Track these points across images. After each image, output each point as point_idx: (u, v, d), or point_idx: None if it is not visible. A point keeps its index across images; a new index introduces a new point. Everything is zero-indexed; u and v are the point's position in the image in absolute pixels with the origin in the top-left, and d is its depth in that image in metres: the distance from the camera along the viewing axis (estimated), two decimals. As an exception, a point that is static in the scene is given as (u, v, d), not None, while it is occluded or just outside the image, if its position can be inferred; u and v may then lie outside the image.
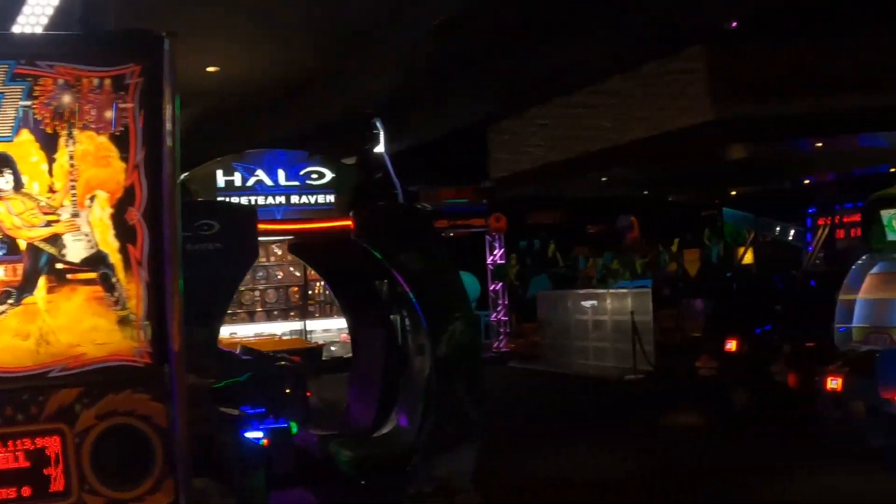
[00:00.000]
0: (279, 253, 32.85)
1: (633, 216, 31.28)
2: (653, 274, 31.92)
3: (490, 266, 29.54)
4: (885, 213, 13.63)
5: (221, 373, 9.24)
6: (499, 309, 29.40)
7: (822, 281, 14.89)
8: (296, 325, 25.88)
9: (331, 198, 10.18)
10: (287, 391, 9.66)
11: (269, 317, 25.55)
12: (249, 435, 8.86)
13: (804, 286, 15.20)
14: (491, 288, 29.62)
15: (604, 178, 18.76)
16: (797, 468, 11.82)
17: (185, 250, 8.45)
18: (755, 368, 14.44)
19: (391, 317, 10.83)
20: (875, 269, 13.69)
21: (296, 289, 30.49)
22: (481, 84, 16.54)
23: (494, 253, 29.56)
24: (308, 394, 12.28)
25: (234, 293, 10.54)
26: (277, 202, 10.30)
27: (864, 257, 13.88)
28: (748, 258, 20.47)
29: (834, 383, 12.11)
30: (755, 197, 23.69)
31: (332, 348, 25.96)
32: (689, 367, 15.87)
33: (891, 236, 13.58)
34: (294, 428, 9.66)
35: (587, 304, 23.89)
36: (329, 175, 10.30)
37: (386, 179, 13.48)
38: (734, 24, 13.37)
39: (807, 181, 20.42)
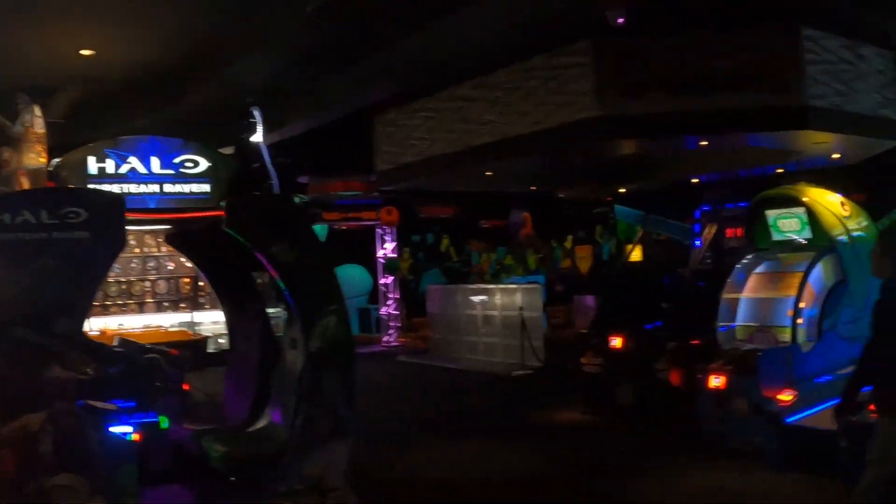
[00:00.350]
0: (171, 243, 32.74)
1: (527, 212, 31.34)
2: (546, 270, 32.16)
3: (381, 260, 29.40)
4: (770, 214, 13.75)
5: (90, 365, 8.92)
6: (389, 303, 29.26)
7: (709, 280, 14.93)
8: (185, 316, 25.59)
9: (206, 187, 9.89)
10: (158, 384, 9.35)
11: (160, 308, 24.07)
12: (117, 430, 8.56)
13: (691, 284, 15.22)
14: (382, 282, 29.47)
15: (488, 173, 18.46)
16: (679, 465, 11.78)
17: (52, 238, 8.19)
18: (640, 366, 14.40)
19: (268, 310, 10.62)
20: (759, 269, 13.80)
21: (187, 280, 30.11)
22: (363, 73, 16.26)
23: (386, 246, 29.43)
24: (186, 387, 11.99)
25: (100, 282, 10.16)
26: (151, 191, 9.98)
27: (748, 256, 13.96)
28: (636, 255, 20.47)
29: (717, 381, 12.12)
30: (646, 195, 23.76)
31: (221, 340, 25.44)
32: (576, 363, 15.78)
33: (775, 236, 13.70)
34: (165, 422, 9.35)
35: (477, 299, 23.80)
36: (204, 164, 10.00)
37: (262, 170, 13.08)
38: (621, 19, 13.18)
39: (695, 180, 20.48)
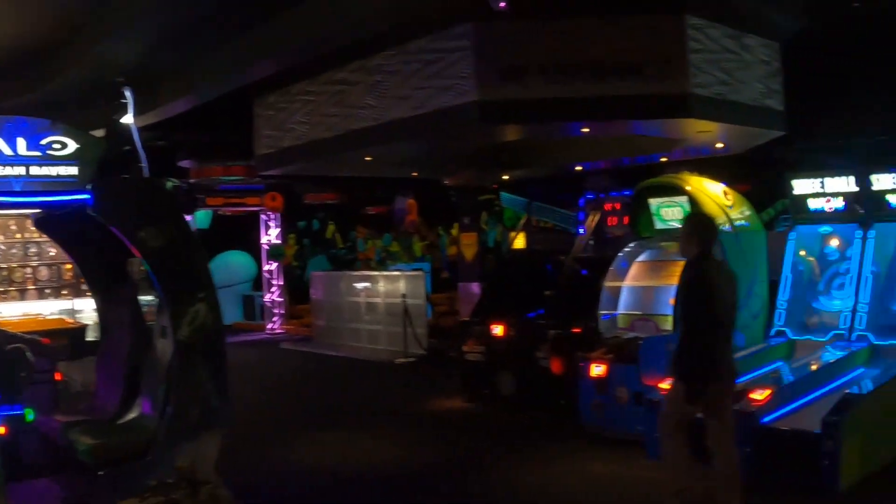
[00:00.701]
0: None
1: (411, 199, 31.16)
2: (432, 257, 32.09)
3: (265, 246, 29.02)
4: (653, 202, 13.73)
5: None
6: (273, 290, 28.92)
7: (592, 268, 14.87)
8: (67, 303, 24.91)
9: (73, 170, 9.40)
10: (23, 375, 8.91)
11: (41, 295, 23.62)
12: (-25, 422, 8.17)
13: (574, 272, 15.10)
14: (265, 268, 29.11)
15: (368, 158, 18.03)
16: (559, 454, 11.67)
17: None
18: (521, 354, 14.28)
19: (139, 297, 10.27)
20: (642, 257, 13.77)
21: (69, 266, 29.47)
22: (238, 52, 15.81)
23: (270, 233, 29.08)
24: (58, 377, 11.57)
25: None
26: (16, 173, 9.45)
27: (631, 245, 13.91)
28: (520, 243, 20.33)
29: (598, 370, 12.06)
30: (532, 182, 23.69)
31: None
32: (459, 351, 15.63)
33: (658, 224, 13.68)
34: (31, 415, 8.94)
35: (360, 286, 23.58)
36: (73, 146, 9.50)
37: (133, 152, 12.54)
38: (503, 3, 12.92)
39: (579, 168, 20.38)
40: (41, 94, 16.98)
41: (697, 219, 9.40)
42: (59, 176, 9.29)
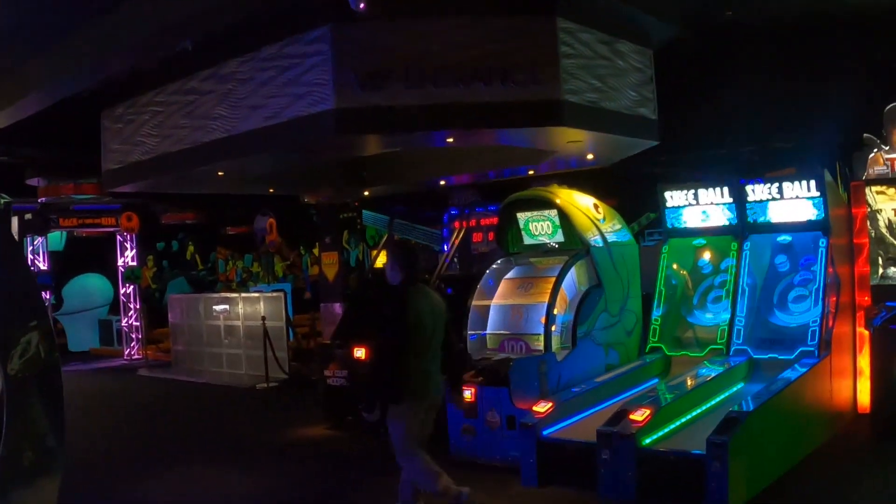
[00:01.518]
0: None
1: (272, 218, 30.35)
2: (294, 277, 31.43)
3: (122, 268, 27.95)
4: (522, 216, 13.18)
5: None
6: (130, 314, 27.83)
7: (457, 286, 14.30)
8: None
9: None
10: None
11: None
12: None
13: (440, 291, 14.49)
14: (122, 291, 28.03)
15: (220, 173, 16.98)
16: None
17: None
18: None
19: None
20: (510, 274, 13.17)
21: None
22: (67, 55, 14.72)
23: (126, 254, 28.02)
24: None
25: None
26: None
27: (498, 261, 13.31)
28: (381, 260, 19.57)
29: (466, 393, 11.41)
30: (395, 199, 23.07)
31: None
32: (321, 375, 14.91)
33: (527, 240, 13.12)
34: None
35: (219, 308, 22.68)
36: None
37: None
38: (363, 4, 12.14)
39: (443, 182, 19.69)
40: None
41: (400, 247, 9.72)
42: None
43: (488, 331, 12.83)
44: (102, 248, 29.45)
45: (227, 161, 15.61)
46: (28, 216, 25.72)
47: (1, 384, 7.82)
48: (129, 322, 27.99)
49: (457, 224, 17.15)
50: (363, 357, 13.98)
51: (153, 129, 16.86)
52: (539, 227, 13.01)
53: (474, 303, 12.85)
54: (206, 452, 13.77)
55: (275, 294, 22.04)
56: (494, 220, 17.02)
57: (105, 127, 18.41)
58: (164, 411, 18.20)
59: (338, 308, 21.52)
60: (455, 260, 15.77)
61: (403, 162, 17.46)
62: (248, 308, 21.89)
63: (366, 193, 20.30)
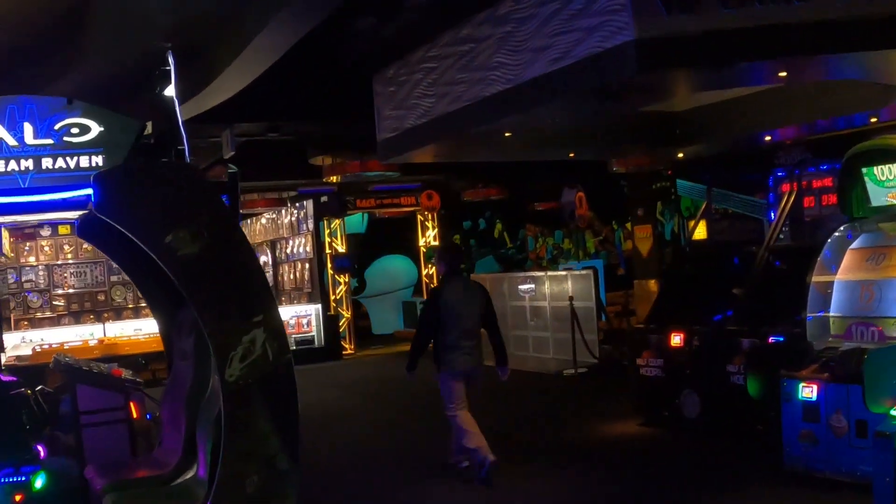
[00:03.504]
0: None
1: (580, 191, 28.76)
2: (608, 252, 30.08)
3: (424, 248, 27.11)
4: (868, 173, 10.71)
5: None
6: (433, 296, 26.80)
7: (788, 258, 12.17)
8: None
9: (98, 159, 7.31)
10: (28, 426, 6.84)
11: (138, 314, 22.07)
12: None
13: (769, 266, 12.36)
14: (425, 272, 27.15)
15: (507, 134, 15.04)
16: (754, 497, 9.49)
17: None
18: (708, 368, 11.72)
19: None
20: (857, 244, 10.72)
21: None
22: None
23: (427, 234, 27.05)
24: (134, 413, 9.80)
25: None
26: (23, 168, 7.43)
27: (841, 228, 10.89)
28: (700, 233, 17.51)
29: (807, 391, 9.38)
30: (712, 163, 20.78)
31: None
32: (633, 363, 13.11)
33: (876, 201, 10.63)
34: (40, 479, 6.87)
35: (524, 287, 21.20)
36: (96, 129, 7.41)
37: (173, 132, 9.99)
38: None
39: (767, 137, 17.12)
40: (73, 79, 14.20)
41: (443, 247, 12.72)
42: (78, 168, 7.25)
43: (832, 312, 10.39)
44: (405, 229, 28.83)
45: (512, 116, 13.39)
46: (324, 199, 25.02)
47: (215, 391, 6.50)
48: (432, 305, 26.95)
49: (785, 187, 14.93)
50: (681, 344, 12.11)
51: (428, 89, 14.93)
52: (892, 185, 10.53)
53: (814, 279, 10.52)
54: (502, 451, 12.17)
55: (584, 272, 20.44)
56: (828, 180, 14.78)
57: (377, 92, 16.68)
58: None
59: (653, 285, 20.68)
60: (785, 228, 13.50)
61: (720, 113, 15.12)
62: (556, 287, 20.34)
63: (679, 155, 18.05)
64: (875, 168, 10.30)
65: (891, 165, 10.27)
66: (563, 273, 20.85)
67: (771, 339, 10.94)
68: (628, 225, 26.48)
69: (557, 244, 31.64)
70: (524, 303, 21.29)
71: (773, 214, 15.05)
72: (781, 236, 13.86)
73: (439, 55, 14.63)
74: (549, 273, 21.54)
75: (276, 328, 6.36)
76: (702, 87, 13.37)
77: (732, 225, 20.28)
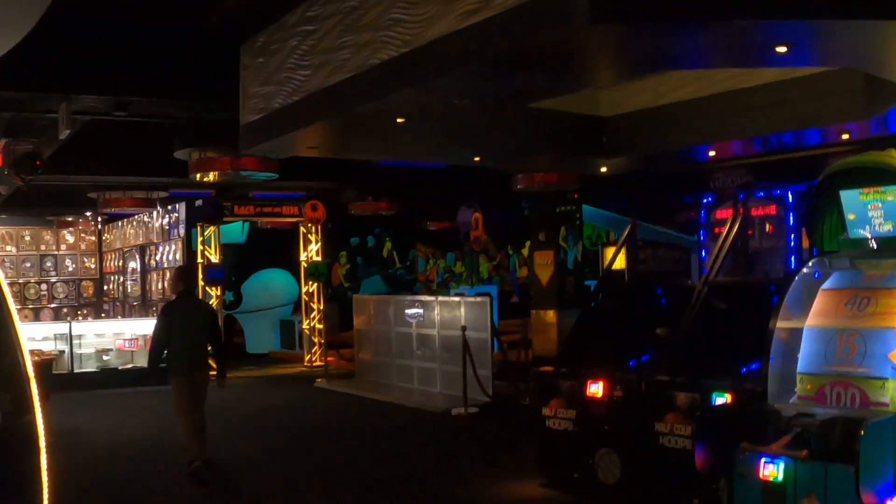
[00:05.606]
0: (71, 240, 28.71)
1: (477, 211, 27.04)
2: (501, 279, 29.41)
3: (304, 264, 25.09)
4: (847, 197, 8.59)
5: None
6: (313, 315, 24.86)
7: (735, 297, 10.27)
8: (62, 326, 22.33)
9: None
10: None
11: (59, 315, 24.01)
12: None
13: (706, 304, 10.36)
14: (304, 289, 25.03)
15: (400, 120, 12.35)
16: None
17: None
18: (633, 425, 9.69)
19: None
20: (830, 283, 8.60)
21: (88, 283, 27.88)
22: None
23: (310, 248, 24.95)
24: None
25: None
26: None
27: (809, 263, 8.80)
28: (619, 262, 15.41)
29: (771, 469, 7.31)
30: (636, 181, 18.81)
31: (105, 357, 22.12)
32: (534, 409, 11.03)
33: (853, 233, 8.55)
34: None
35: (411, 312, 19.21)
36: None
37: None
38: None
39: (712, 153, 14.74)
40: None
41: (182, 269, 14.86)
42: None
43: (800, 369, 8.33)
44: (288, 242, 26.76)
45: (407, 91, 10.55)
46: (198, 202, 22.71)
47: None
48: (311, 325, 25.11)
49: (719, 213, 13.15)
50: (599, 394, 10.06)
51: (303, 58, 11.97)
52: (876, 211, 8.44)
53: (778, 325, 8.40)
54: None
55: (479, 299, 18.51)
56: (772, 208, 12.93)
57: (244, 65, 13.69)
58: (335, 436, 15.02)
59: (552, 316, 19.89)
60: (726, 260, 11.56)
61: (655, 120, 13.04)
62: (447, 314, 18.60)
63: (602, 169, 15.81)
64: (860, 192, 8.24)
65: (880, 188, 8.21)
66: (456, 299, 18.94)
67: (716, 399, 8.91)
68: (524, 251, 25.38)
69: (449, 267, 31.37)
70: (411, 329, 19.63)
71: (703, 253, 13.40)
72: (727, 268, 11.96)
73: (319, 14, 11.73)
74: (441, 298, 19.63)
75: (11, 377, 4.06)
76: (641, 66, 10.86)
77: (656, 253, 18.66)
